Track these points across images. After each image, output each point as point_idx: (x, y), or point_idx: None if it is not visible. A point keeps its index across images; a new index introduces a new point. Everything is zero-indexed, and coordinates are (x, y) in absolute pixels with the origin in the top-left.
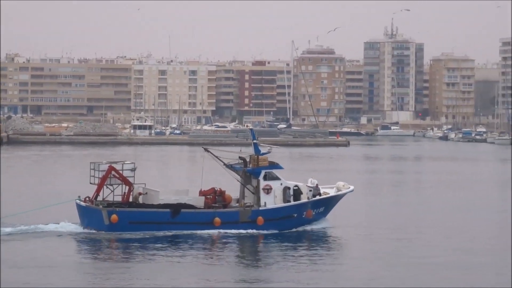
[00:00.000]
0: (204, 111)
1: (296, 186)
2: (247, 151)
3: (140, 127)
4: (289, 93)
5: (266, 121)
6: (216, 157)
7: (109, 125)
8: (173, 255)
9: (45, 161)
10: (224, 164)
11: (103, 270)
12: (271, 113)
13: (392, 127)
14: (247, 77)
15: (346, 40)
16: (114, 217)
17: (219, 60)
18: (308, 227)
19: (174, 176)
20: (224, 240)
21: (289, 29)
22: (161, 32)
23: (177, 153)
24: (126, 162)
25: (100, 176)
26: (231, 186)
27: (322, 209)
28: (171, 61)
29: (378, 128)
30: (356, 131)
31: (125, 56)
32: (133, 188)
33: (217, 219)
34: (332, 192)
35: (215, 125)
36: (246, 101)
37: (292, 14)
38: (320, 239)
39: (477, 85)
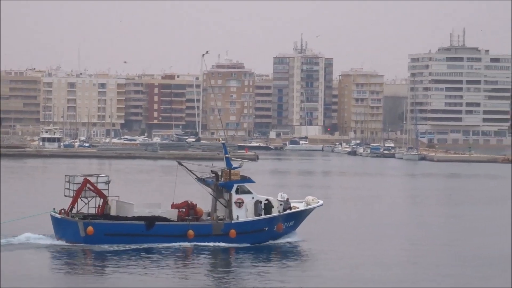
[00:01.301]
0: (113, 124)
1: (267, 200)
2: (219, 165)
3: (49, 140)
4: (198, 107)
5: (175, 134)
6: (190, 170)
7: (18, 137)
8: (148, 267)
9: None
10: (197, 177)
11: (79, 282)
12: (180, 126)
13: (301, 142)
14: (156, 90)
15: (256, 55)
16: (90, 229)
17: (128, 73)
18: (280, 241)
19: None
20: (197, 253)
21: (199, 43)
22: (71, 44)
23: (87, 165)
24: (100, 175)
25: (75, 189)
26: (193, 198)
27: (292, 223)
28: (80, 73)
29: (287, 142)
30: (265, 146)
31: (34, 68)
32: (107, 201)
33: (191, 232)
34: (301, 206)
35: (124, 138)
36: (155, 114)
37: (202, 28)
38: (289, 252)
39: (386, 100)
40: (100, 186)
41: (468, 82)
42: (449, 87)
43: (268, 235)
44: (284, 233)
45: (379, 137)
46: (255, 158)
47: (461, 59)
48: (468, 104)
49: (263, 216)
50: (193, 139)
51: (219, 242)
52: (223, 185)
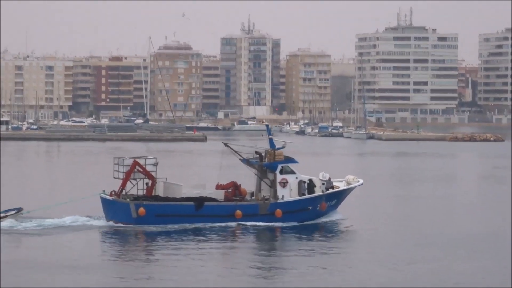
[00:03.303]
0: (61, 106)
1: (309, 179)
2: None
3: None
4: (146, 89)
5: (123, 116)
6: (235, 151)
7: None
8: (198, 247)
9: None
10: (242, 158)
11: (135, 263)
12: (128, 108)
13: (249, 122)
14: (104, 72)
15: (203, 36)
16: (141, 210)
17: (75, 56)
18: (323, 219)
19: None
20: (245, 232)
21: (146, 24)
22: (18, 27)
23: (35, 148)
24: (148, 157)
25: (124, 171)
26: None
27: (334, 202)
28: (28, 56)
29: (235, 123)
30: (213, 126)
31: None
32: (156, 182)
33: (238, 212)
34: (342, 186)
35: (72, 120)
36: (103, 96)
37: (149, 10)
38: (338, 231)
39: (334, 80)
40: (148, 168)
41: (416, 61)
42: (397, 66)
43: (312, 214)
44: (327, 212)
45: (327, 116)
46: (203, 139)
47: (408, 38)
48: (415, 83)
49: (307, 196)
50: (141, 121)
51: (265, 221)
52: (268, 166)
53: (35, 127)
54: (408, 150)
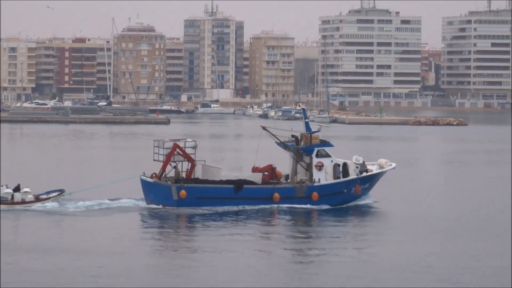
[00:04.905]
0: (24, 88)
1: (344, 163)
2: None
3: None
4: (109, 71)
5: (86, 98)
6: (273, 135)
7: None
8: (236, 229)
9: None
10: (279, 141)
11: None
12: (91, 90)
13: (213, 105)
14: (67, 54)
15: (167, 18)
16: (183, 192)
17: (39, 37)
18: (358, 202)
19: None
20: (283, 214)
21: (109, 6)
22: None
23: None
24: (187, 140)
25: (164, 154)
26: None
27: (368, 185)
28: None
29: (199, 106)
30: (177, 109)
31: None
32: (195, 165)
33: (276, 195)
34: (374, 169)
35: (35, 102)
36: (66, 78)
37: None
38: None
39: (297, 63)
40: (187, 151)
41: (379, 44)
42: (360, 49)
43: (347, 197)
44: (361, 195)
45: (290, 99)
46: (166, 122)
47: (371, 21)
48: (379, 67)
49: (343, 179)
50: (105, 103)
51: (302, 204)
52: (304, 149)
53: None
54: (370, 133)
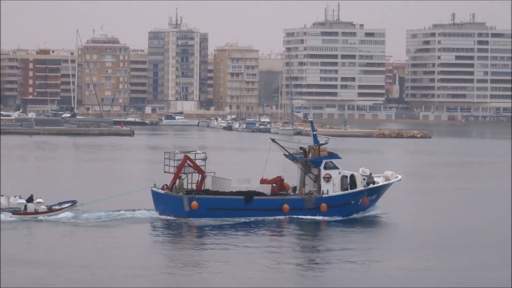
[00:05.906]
0: None
1: (352, 175)
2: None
3: None
4: (73, 82)
5: (51, 110)
6: (282, 147)
7: None
8: (247, 240)
9: None
10: (288, 153)
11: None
12: (56, 102)
13: (177, 117)
14: (31, 65)
15: (131, 30)
16: (194, 203)
17: (3, 49)
18: (365, 213)
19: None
20: (293, 225)
21: (73, 17)
22: None
23: None
24: (198, 152)
25: (175, 165)
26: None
27: (375, 197)
28: None
29: (163, 117)
30: (141, 121)
31: None
32: (205, 176)
33: (286, 206)
34: (380, 181)
35: None
36: (30, 89)
37: (76, 3)
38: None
39: (261, 75)
40: (197, 163)
41: (343, 56)
42: (324, 61)
43: (355, 209)
44: (369, 207)
45: (254, 112)
46: (130, 134)
47: (336, 33)
48: (343, 79)
49: (350, 190)
50: (69, 115)
51: (310, 215)
52: (313, 161)
53: None
54: (335, 146)
